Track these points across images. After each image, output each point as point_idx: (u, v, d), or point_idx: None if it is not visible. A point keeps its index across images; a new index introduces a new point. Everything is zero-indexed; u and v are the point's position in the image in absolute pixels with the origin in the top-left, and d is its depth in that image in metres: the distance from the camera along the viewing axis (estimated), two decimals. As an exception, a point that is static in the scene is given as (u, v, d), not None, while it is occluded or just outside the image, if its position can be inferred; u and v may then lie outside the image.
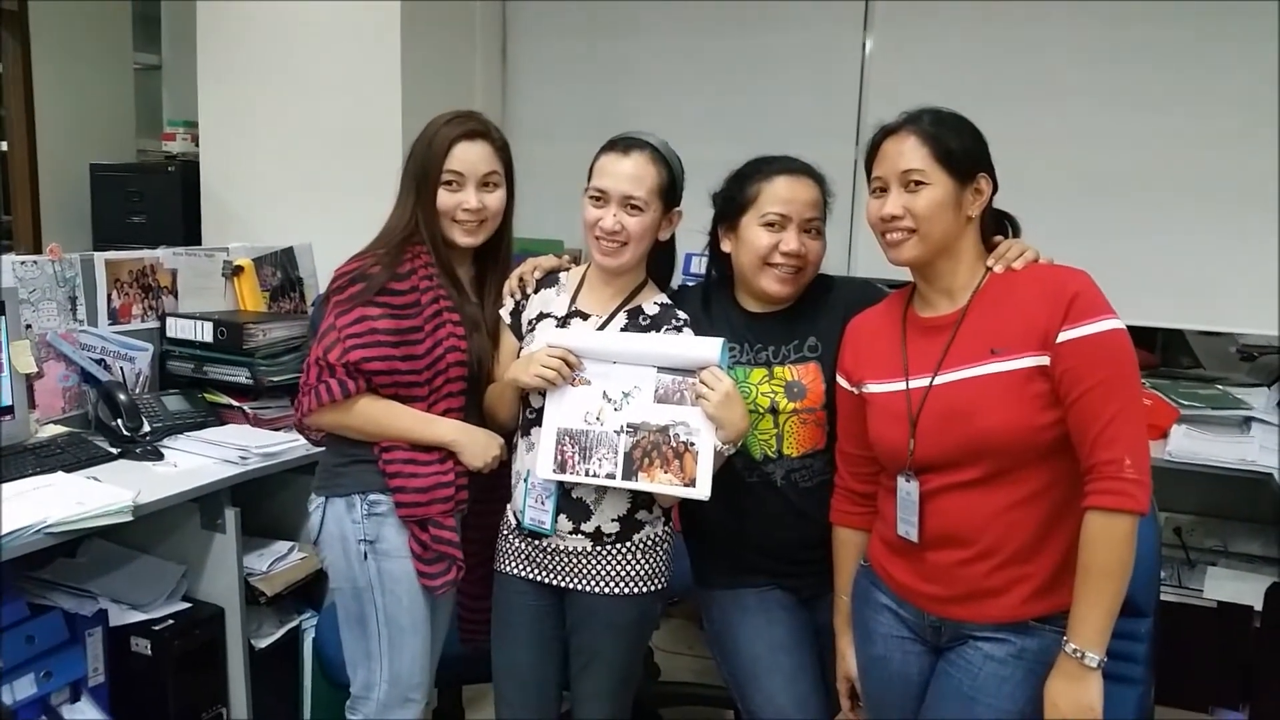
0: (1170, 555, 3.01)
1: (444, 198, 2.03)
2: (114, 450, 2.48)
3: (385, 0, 3.47)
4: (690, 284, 2.24)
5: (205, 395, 2.81)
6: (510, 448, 2.06)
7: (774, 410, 1.96)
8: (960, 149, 1.67)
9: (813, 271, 2.00)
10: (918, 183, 1.67)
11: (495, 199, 2.08)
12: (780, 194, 1.95)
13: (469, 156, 2.04)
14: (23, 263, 2.62)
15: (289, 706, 2.69)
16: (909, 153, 1.68)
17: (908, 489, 1.71)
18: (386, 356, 1.95)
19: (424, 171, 2.03)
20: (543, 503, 1.95)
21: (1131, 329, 1.62)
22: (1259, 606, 2.74)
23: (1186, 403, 2.89)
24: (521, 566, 2.01)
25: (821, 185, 1.99)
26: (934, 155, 1.66)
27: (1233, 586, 2.89)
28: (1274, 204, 3.04)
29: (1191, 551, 3.08)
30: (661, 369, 1.87)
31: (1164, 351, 3.50)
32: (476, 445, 2.02)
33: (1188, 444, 2.75)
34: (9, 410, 2.44)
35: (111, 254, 2.88)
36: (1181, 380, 3.17)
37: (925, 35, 3.45)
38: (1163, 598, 2.09)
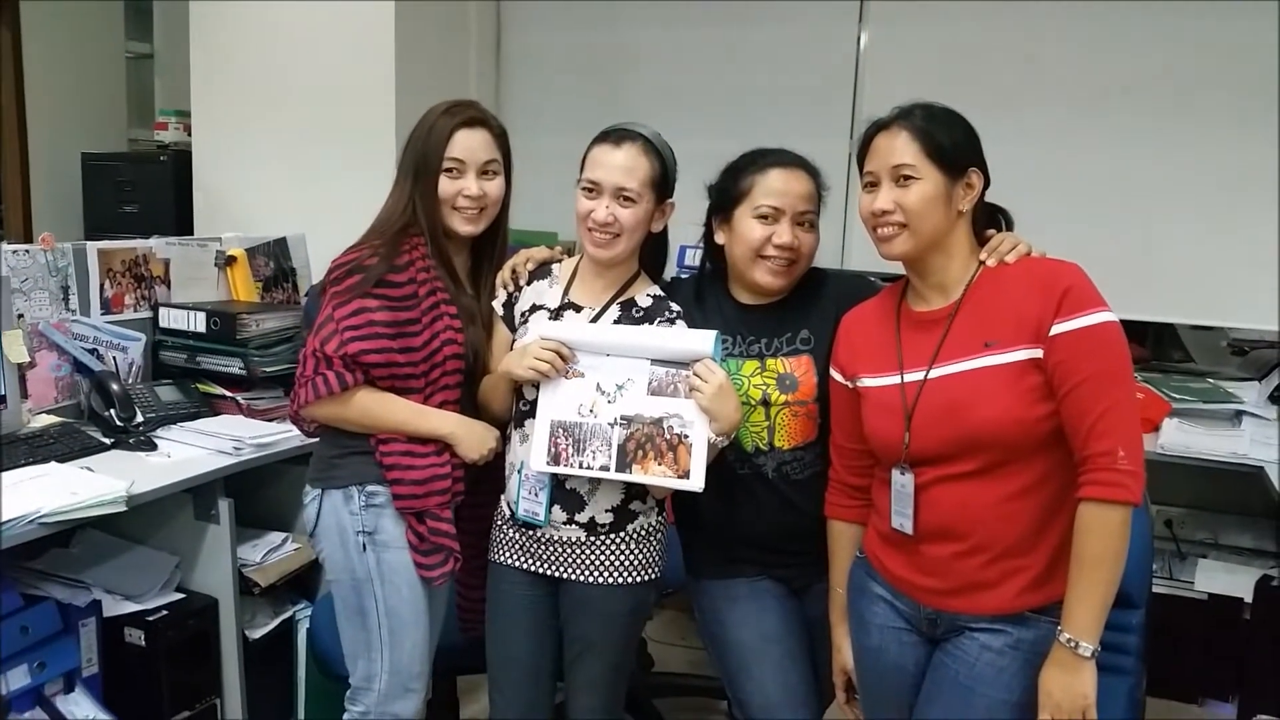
0: (1161, 547, 3.03)
1: (445, 185, 2.03)
2: (107, 440, 2.48)
3: (380, -12, 3.46)
4: (684, 276, 2.24)
5: (198, 386, 2.81)
6: (504, 438, 2.06)
7: (766, 402, 1.96)
8: (951, 144, 1.68)
9: (806, 264, 2.00)
10: (908, 177, 1.67)
11: (495, 187, 2.08)
12: (774, 186, 1.95)
13: (470, 144, 2.04)
14: (15, 252, 2.62)
15: (282, 697, 2.69)
16: (900, 148, 1.68)
17: (902, 482, 1.72)
18: (384, 349, 1.95)
19: (424, 159, 2.03)
20: (536, 494, 1.95)
21: (1123, 323, 1.63)
22: (1249, 599, 2.76)
23: (1178, 396, 2.90)
24: (515, 557, 2.01)
25: (816, 178, 1.99)
26: (925, 150, 1.67)
27: (1223, 579, 2.91)
28: (1269, 197, 3.05)
29: (1182, 544, 3.10)
30: (655, 361, 1.88)
31: (1155, 345, 3.50)
32: (473, 438, 2.02)
33: (1179, 437, 2.76)
34: (2, 400, 2.44)
35: (104, 243, 2.87)
36: (1173, 374, 3.19)
37: (920, 29, 3.45)
38: (1154, 590, 2.10)
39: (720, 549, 2.06)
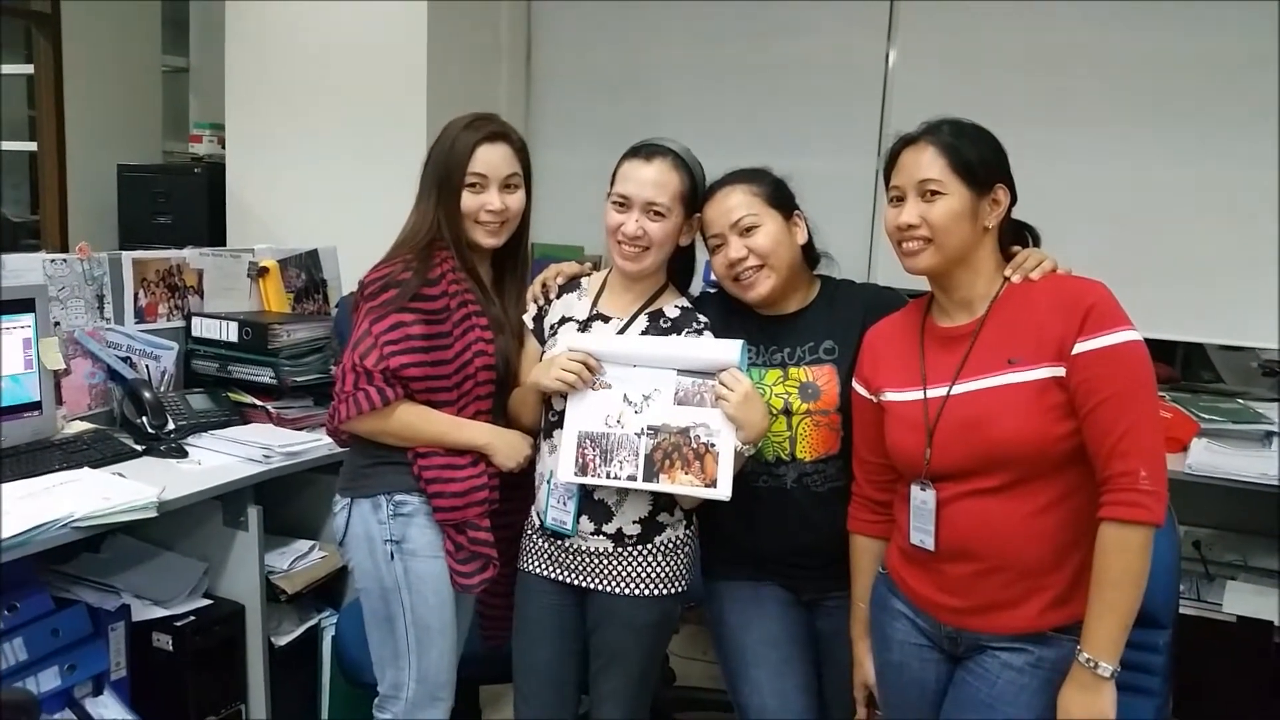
0: (1189, 569, 3.00)
1: (467, 200, 2.05)
2: (139, 447, 2.51)
3: (412, 2, 3.50)
4: (711, 290, 2.25)
5: (229, 394, 2.84)
6: (534, 448, 2.07)
7: (787, 411, 1.97)
8: (978, 160, 1.68)
9: (779, 259, 1.97)
10: (934, 193, 1.68)
11: (516, 200, 2.10)
12: (711, 217, 1.99)
13: (492, 159, 2.06)
14: (52, 261, 2.66)
15: (307, 704, 2.71)
16: (926, 163, 1.69)
17: (924, 498, 1.72)
18: (421, 362, 1.97)
19: (446, 174, 2.05)
20: (564, 504, 1.96)
21: (1152, 343, 1.62)
22: (1279, 622, 2.73)
23: (1207, 416, 2.88)
24: (544, 566, 2.02)
25: (748, 180, 1.99)
26: (951, 166, 1.67)
27: (1252, 601, 2.87)
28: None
29: (1211, 565, 3.06)
30: (681, 371, 1.88)
31: (1185, 365, 3.48)
32: (508, 447, 2.04)
33: (1208, 458, 2.74)
34: (37, 406, 2.47)
35: (139, 253, 2.91)
36: (1202, 394, 3.16)
37: (948, 45, 3.45)
38: (1181, 611, 2.08)
39: (731, 553, 2.06)
